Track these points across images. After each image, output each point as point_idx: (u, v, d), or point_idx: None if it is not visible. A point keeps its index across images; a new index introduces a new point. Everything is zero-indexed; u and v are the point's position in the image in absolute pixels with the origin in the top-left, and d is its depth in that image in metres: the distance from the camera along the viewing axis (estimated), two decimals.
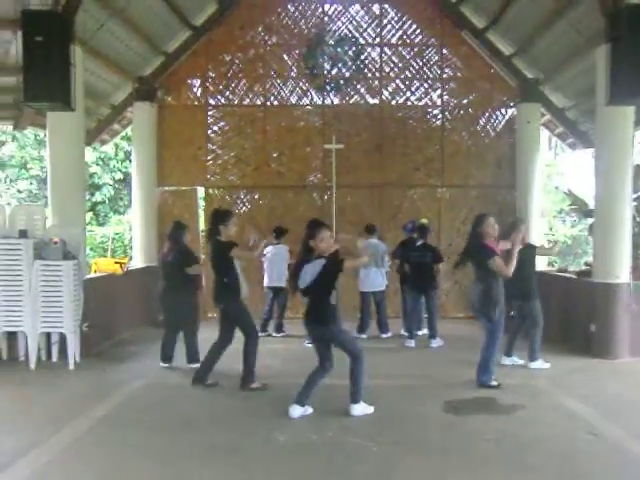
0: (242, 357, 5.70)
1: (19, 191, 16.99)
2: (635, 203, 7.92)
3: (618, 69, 6.32)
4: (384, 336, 8.35)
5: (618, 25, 6.32)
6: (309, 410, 4.91)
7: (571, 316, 7.71)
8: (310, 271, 4.73)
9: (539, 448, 4.23)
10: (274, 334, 8.47)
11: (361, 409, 4.90)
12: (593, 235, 7.72)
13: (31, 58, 5.98)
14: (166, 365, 6.54)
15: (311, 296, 4.85)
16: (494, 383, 5.72)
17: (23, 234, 6.59)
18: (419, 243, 7.95)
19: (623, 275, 6.99)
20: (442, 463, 3.99)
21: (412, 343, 7.81)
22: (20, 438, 4.38)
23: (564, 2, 7.89)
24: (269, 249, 8.31)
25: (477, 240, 5.78)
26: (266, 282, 8.50)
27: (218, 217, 5.80)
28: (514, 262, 5.63)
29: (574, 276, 8.06)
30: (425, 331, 8.14)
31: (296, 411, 4.84)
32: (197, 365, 6.15)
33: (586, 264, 9.14)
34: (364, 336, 8.28)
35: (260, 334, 8.12)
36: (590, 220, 8.71)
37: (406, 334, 8.08)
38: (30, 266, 6.50)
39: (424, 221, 8.33)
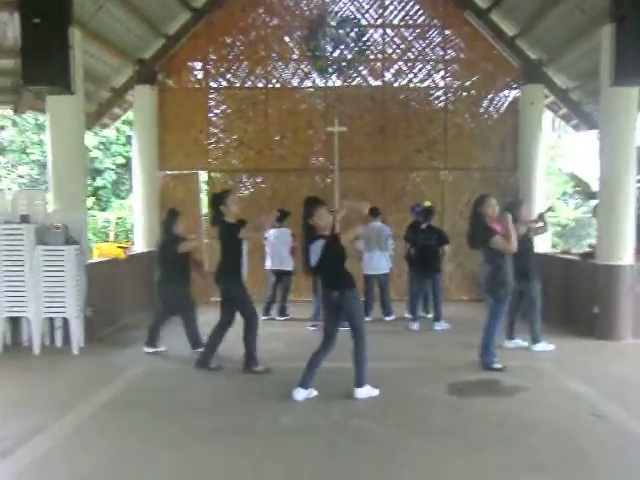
0: (242, 341, 5.72)
1: (20, 176, 16.96)
2: (639, 185, 7.86)
3: (623, 49, 6.23)
4: (388, 319, 8.35)
5: (623, 4, 6.22)
6: (313, 393, 4.92)
7: (574, 298, 7.70)
8: (314, 250, 4.79)
9: (542, 430, 4.25)
10: (277, 317, 8.48)
11: (365, 392, 4.91)
12: (597, 217, 7.67)
13: (29, 40, 5.91)
14: (150, 350, 6.49)
15: (324, 270, 4.89)
16: (497, 366, 5.72)
17: (25, 219, 6.60)
18: (424, 226, 7.92)
19: (626, 257, 6.98)
20: (446, 445, 4.00)
21: (415, 326, 7.82)
22: (24, 423, 4.40)
23: None
24: (271, 232, 8.29)
25: (478, 221, 5.77)
26: (268, 265, 8.49)
27: (217, 200, 5.85)
28: (514, 237, 5.61)
29: (577, 258, 8.04)
30: (432, 314, 8.14)
31: (300, 394, 4.86)
32: (201, 349, 6.17)
33: (589, 246, 9.10)
34: (368, 319, 8.25)
35: (263, 317, 8.22)
36: (593, 202, 8.66)
37: (409, 317, 8.08)
38: (32, 251, 6.50)
39: (427, 204, 8.28)
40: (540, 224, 6.93)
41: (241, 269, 5.77)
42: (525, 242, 6.37)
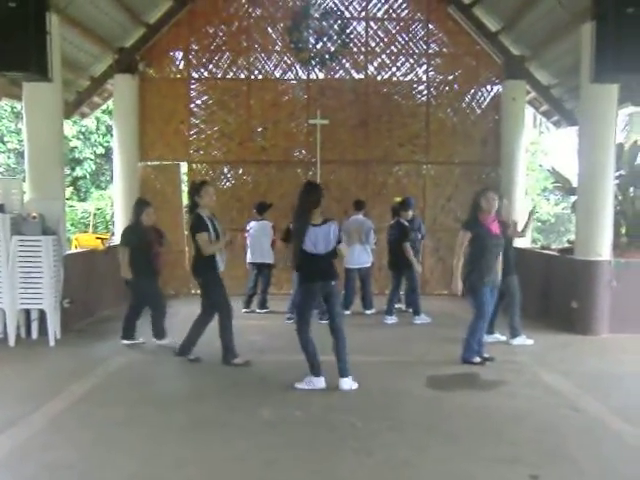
0: (219, 334, 5.68)
1: None
2: (617, 181, 7.95)
3: (602, 47, 6.26)
4: (368, 312, 8.36)
5: (603, 2, 6.26)
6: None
7: (553, 293, 7.78)
8: (323, 235, 4.81)
9: (520, 423, 4.28)
10: (257, 310, 8.44)
11: (349, 383, 4.92)
12: (576, 213, 7.75)
13: (4, 24, 5.70)
14: (128, 343, 6.42)
15: (328, 257, 4.90)
16: (476, 360, 5.75)
17: (0, 209, 6.44)
18: (392, 222, 8.01)
19: (604, 253, 7.06)
20: (425, 438, 4.01)
21: (388, 320, 7.84)
22: None
23: None
24: (252, 225, 8.25)
25: (473, 213, 5.71)
26: (249, 258, 8.43)
27: (192, 190, 5.85)
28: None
29: (556, 253, 8.11)
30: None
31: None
32: (164, 341, 6.26)
33: (568, 242, 9.20)
34: (348, 312, 8.27)
35: (243, 310, 8.20)
36: (573, 198, 8.75)
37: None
38: (7, 242, 6.36)
39: (397, 199, 8.32)
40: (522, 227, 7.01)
41: (214, 262, 5.63)
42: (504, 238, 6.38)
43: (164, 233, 6.75)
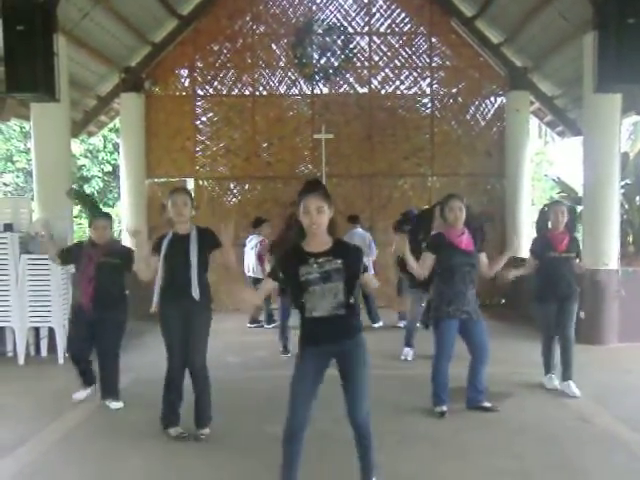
0: None
1: (5, 184, 16.84)
2: (623, 190, 7.94)
3: (605, 56, 6.31)
4: (376, 326, 8.33)
5: (604, 12, 6.31)
6: None
7: None
8: None
9: (528, 434, 4.25)
10: (265, 325, 8.45)
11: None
12: (582, 222, 7.74)
13: (13, 48, 5.85)
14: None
15: None
16: (485, 404, 4.86)
17: (8, 227, 6.55)
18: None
19: (612, 262, 7.03)
20: (432, 451, 4.00)
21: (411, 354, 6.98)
22: (7, 435, 4.33)
23: None
24: (249, 238, 8.31)
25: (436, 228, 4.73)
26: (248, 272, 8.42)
27: None
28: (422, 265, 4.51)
29: None
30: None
31: None
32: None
33: None
34: None
35: (250, 325, 8.23)
36: (579, 208, 8.74)
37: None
38: (16, 260, 6.45)
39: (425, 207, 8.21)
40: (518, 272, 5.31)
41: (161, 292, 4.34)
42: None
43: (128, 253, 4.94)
